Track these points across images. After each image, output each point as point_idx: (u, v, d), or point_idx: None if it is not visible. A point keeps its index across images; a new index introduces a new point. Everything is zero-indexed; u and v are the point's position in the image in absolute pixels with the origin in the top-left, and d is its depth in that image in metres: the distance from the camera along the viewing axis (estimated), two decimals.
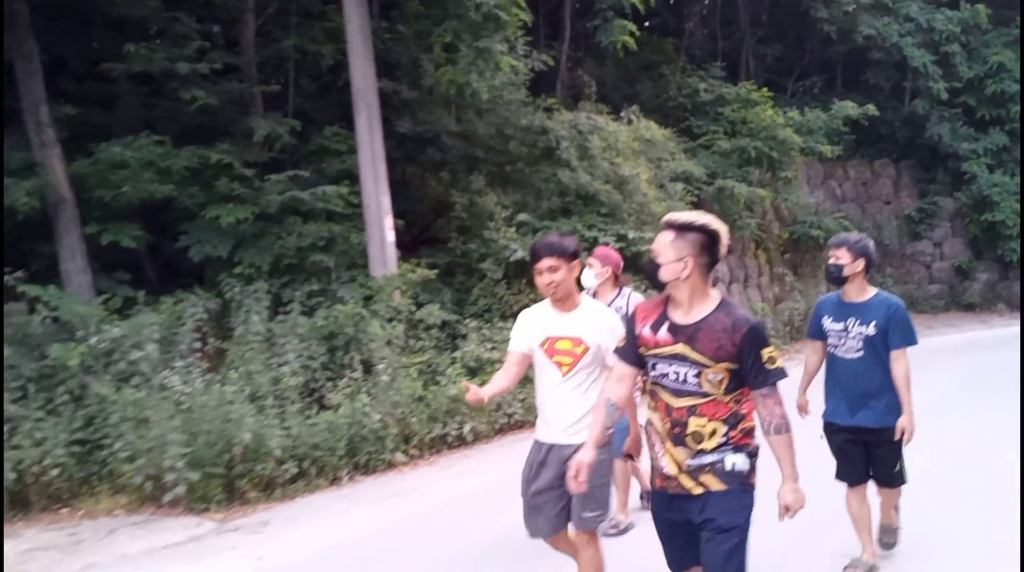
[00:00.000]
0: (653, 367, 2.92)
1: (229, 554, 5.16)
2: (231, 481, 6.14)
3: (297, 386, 7.13)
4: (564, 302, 3.50)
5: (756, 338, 2.76)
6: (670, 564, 3.07)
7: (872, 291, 4.25)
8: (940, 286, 20.41)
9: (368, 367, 7.86)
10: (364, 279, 8.98)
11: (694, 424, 2.82)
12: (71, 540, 5.46)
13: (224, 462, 6.09)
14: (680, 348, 2.82)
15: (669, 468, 2.91)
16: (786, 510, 2.81)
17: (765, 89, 16.33)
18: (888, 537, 4.61)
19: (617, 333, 3.34)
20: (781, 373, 2.79)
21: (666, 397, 2.89)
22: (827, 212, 18.25)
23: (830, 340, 4.30)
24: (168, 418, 6.00)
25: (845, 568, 4.36)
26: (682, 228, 2.82)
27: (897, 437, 4.14)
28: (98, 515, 5.91)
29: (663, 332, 2.87)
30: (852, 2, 19.30)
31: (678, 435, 2.86)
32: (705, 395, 2.81)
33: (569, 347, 3.47)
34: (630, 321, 3.03)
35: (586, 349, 3.44)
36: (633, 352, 2.98)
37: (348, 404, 7.14)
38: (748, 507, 2.85)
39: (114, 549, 5.28)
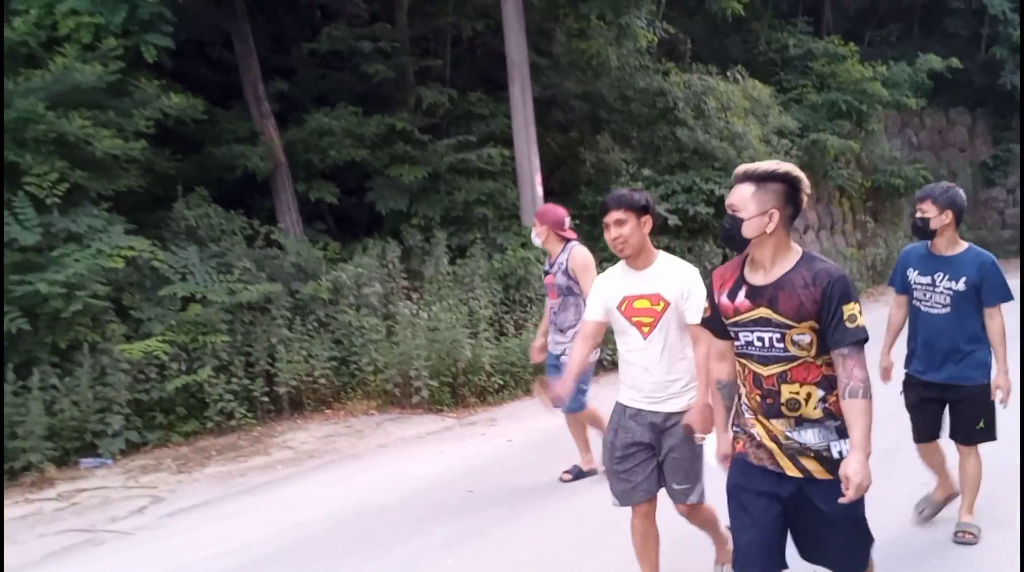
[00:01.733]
0: (736, 337, 2.71)
1: (480, 438, 6.78)
2: (455, 389, 7.77)
3: (487, 317, 8.69)
4: (637, 259, 3.31)
5: (838, 292, 2.53)
6: (745, 550, 2.72)
7: (964, 245, 4.06)
8: (1013, 231, 21.23)
9: (530, 303, 9.41)
10: (518, 228, 10.45)
11: (787, 392, 2.60)
12: (351, 430, 7.14)
13: (451, 374, 7.71)
14: (761, 312, 2.61)
15: (761, 436, 2.69)
16: (847, 482, 2.43)
17: (852, 44, 17.19)
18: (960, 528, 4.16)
19: (698, 286, 3.29)
20: (862, 332, 2.53)
21: (754, 367, 2.67)
22: (904, 161, 19.16)
23: (915, 294, 4.13)
24: (412, 337, 7.62)
25: (916, 505, 4.40)
26: (763, 178, 2.59)
27: (993, 397, 4.01)
28: (357, 414, 7.58)
29: (741, 297, 2.67)
30: None
31: (771, 406, 2.64)
32: (793, 359, 2.59)
33: (648, 306, 3.28)
34: (709, 291, 2.85)
35: (666, 305, 3.26)
36: (720, 323, 2.78)
37: (525, 333, 8.70)
38: (861, 499, 2.57)
39: (390, 435, 6.94)
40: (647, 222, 3.29)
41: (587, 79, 12.35)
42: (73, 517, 5.27)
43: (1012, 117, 21.39)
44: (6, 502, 5.51)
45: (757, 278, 2.66)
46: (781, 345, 2.59)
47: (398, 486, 5.58)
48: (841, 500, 2.45)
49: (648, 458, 3.36)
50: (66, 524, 5.13)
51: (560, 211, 5.26)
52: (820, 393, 2.59)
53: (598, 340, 3.56)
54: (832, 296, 2.52)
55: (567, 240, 5.17)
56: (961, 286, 3.95)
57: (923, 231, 4.04)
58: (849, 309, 2.52)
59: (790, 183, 2.61)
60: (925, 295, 4.08)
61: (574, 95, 12.32)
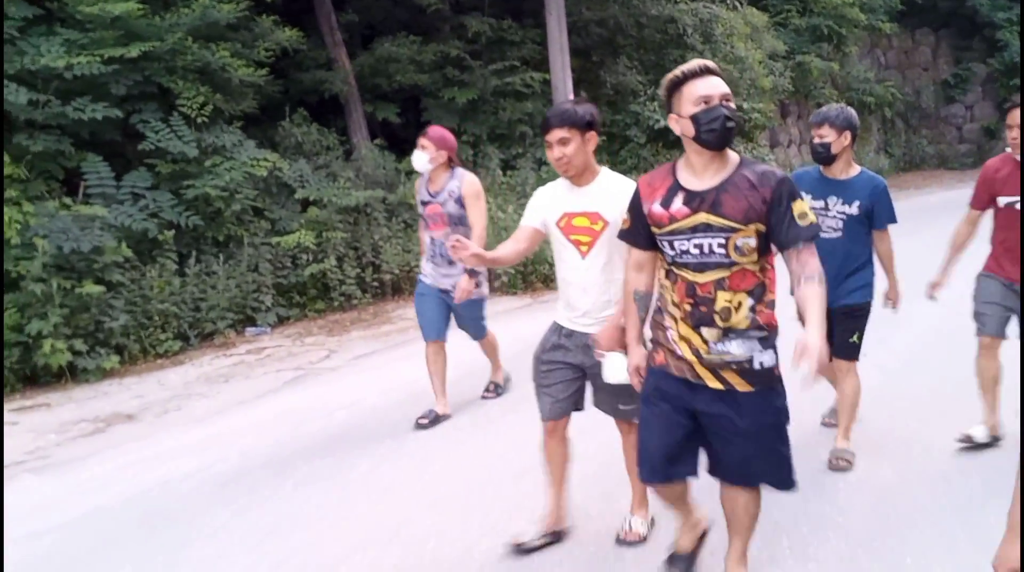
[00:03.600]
0: (671, 246, 2.61)
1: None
2: (525, 276, 9.43)
3: None
4: (580, 177, 3.15)
5: (786, 191, 2.49)
6: (649, 460, 2.72)
7: (857, 169, 4.00)
8: (969, 146, 23.21)
9: None
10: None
11: (722, 299, 2.54)
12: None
13: (522, 263, 9.37)
14: (701, 217, 2.53)
15: (683, 350, 2.62)
16: (807, 352, 2.24)
17: None
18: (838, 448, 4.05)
19: None
20: (815, 228, 2.51)
21: (687, 275, 2.58)
22: (874, 80, 20.84)
23: None
24: (502, 228, 9.23)
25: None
26: (720, 76, 2.59)
27: (893, 306, 4.18)
28: None
29: (678, 204, 2.57)
30: None
31: (703, 315, 2.57)
32: (732, 265, 2.53)
33: (587, 224, 3.14)
34: (634, 200, 2.72)
35: (605, 225, 3.11)
36: (643, 234, 2.70)
37: None
38: (782, 408, 2.61)
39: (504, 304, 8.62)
40: (591, 139, 3.11)
41: (605, 7, 13.71)
42: (276, 363, 6.89)
43: (973, 38, 23.12)
44: (207, 357, 7.10)
45: (695, 184, 2.57)
46: (723, 251, 2.52)
47: (512, 343, 7.27)
48: (799, 367, 2.22)
49: (574, 379, 3.24)
50: (278, 367, 6.76)
51: (452, 137, 4.85)
52: (750, 302, 2.54)
53: (530, 248, 3.29)
54: (781, 195, 2.48)
55: (453, 167, 4.80)
56: (855, 210, 3.90)
57: (824, 156, 3.94)
58: (799, 206, 2.49)
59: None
60: (818, 219, 3.74)
61: (592, 22, 13.69)
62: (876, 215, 3.93)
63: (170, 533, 3.65)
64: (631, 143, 12.99)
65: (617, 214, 3.00)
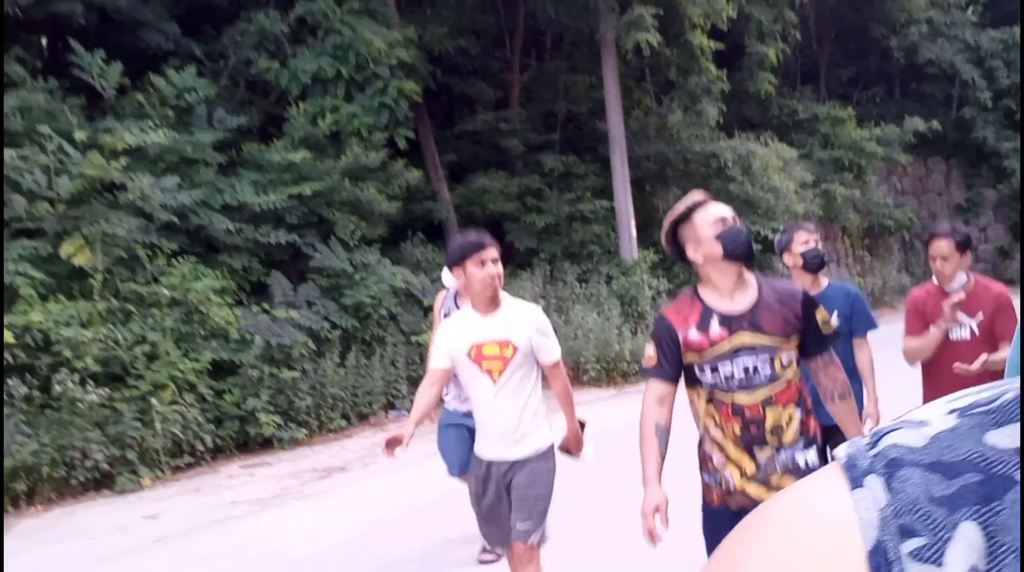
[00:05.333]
0: (713, 370, 2.58)
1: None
2: (608, 371, 11.12)
3: (618, 324, 12.09)
4: (492, 302, 3.24)
5: (809, 301, 2.58)
6: None
7: (825, 281, 3.99)
8: (985, 265, 24.98)
9: (643, 316, 12.83)
10: (618, 261, 13.89)
11: (772, 417, 2.52)
12: None
13: (608, 359, 11.08)
14: (742, 338, 2.54)
15: (734, 479, 2.58)
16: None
17: (850, 108, 21.00)
18: None
19: (545, 328, 3.29)
20: (835, 336, 2.61)
21: (734, 398, 2.56)
22: (892, 205, 22.91)
23: None
24: (574, 337, 10.99)
25: None
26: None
27: (865, 426, 3.95)
28: None
29: (715, 328, 2.57)
30: (916, 33, 23.83)
31: (755, 436, 2.54)
32: (778, 379, 2.53)
33: (497, 352, 3.20)
34: (664, 330, 2.68)
35: (515, 350, 3.19)
36: (674, 366, 2.66)
37: (641, 336, 12.09)
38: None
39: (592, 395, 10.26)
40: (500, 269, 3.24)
41: (654, 144, 15.94)
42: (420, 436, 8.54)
43: (982, 166, 25.31)
44: (367, 432, 8.77)
45: (727, 306, 2.59)
46: (769, 368, 2.53)
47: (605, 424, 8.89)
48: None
49: (506, 510, 3.32)
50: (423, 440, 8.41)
51: None
52: (798, 414, 2.56)
53: (443, 386, 3.47)
54: (808, 307, 2.55)
55: None
56: (834, 320, 3.74)
57: (818, 265, 3.91)
58: (821, 315, 2.57)
59: None
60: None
61: (644, 157, 15.88)
62: (855, 323, 3.84)
63: (403, 533, 5.28)
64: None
65: (526, 338, 3.21)
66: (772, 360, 2.56)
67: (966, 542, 0.38)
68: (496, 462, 3.29)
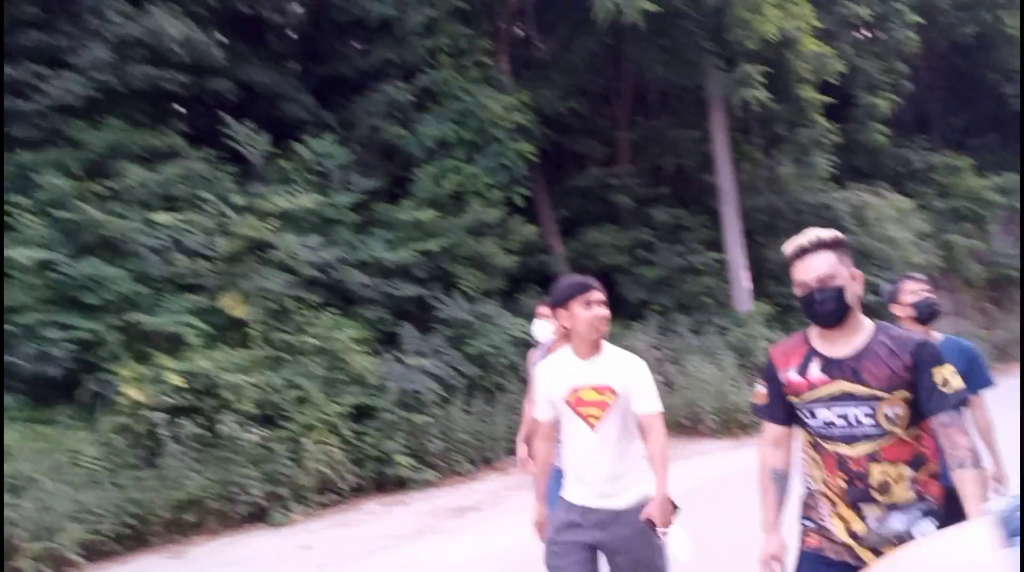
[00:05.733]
0: (812, 415, 2.49)
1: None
2: (727, 423, 11.15)
3: (732, 375, 12.12)
4: (594, 346, 3.15)
5: (928, 356, 2.37)
6: None
7: (939, 336, 3.72)
8: None
9: (759, 367, 12.80)
10: (731, 313, 13.95)
11: (877, 473, 2.38)
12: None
13: (725, 411, 11.13)
14: (842, 385, 2.42)
15: (838, 533, 2.46)
16: None
17: (966, 157, 20.50)
18: None
19: (645, 378, 3.14)
20: (960, 394, 2.36)
21: (837, 448, 2.44)
22: (1016, 255, 22.03)
23: None
24: (686, 388, 11.10)
25: None
26: (836, 244, 2.50)
27: (995, 489, 3.64)
28: None
29: (815, 371, 2.47)
30: None
31: (861, 491, 2.40)
32: (884, 435, 2.38)
33: (596, 397, 3.12)
34: (770, 370, 2.63)
35: (616, 396, 3.09)
36: (781, 406, 2.59)
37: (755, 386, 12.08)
38: None
39: (690, 450, 10.33)
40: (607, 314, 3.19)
41: (765, 196, 16.01)
42: None
43: None
44: (491, 476, 9.09)
45: (832, 350, 2.48)
46: (871, 420, 2.40)
47: (738, 464, 8.95)
48: None
49: (588, 559, 3.13)
50: None
51: None
52: (910, 473, 2.41)
53: (555, 438, 3.33)
54: (923, 361, 2.38)
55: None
56: None
57: (929, 313, 3.72)
58: (941, 372, 2.37)
59: (847, 246, 2.54)
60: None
61: (754, 209, 15.96)
62: (969, 381, 3.53)
63: None
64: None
65: (624, 385, 3.08)
66: (874, 413, 2.40)
67: None
68: (592, 509, 3.11)
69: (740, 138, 15.98)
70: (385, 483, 8.42)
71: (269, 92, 11.73)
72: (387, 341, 9.90)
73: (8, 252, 7.45)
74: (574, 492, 3.19)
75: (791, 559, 2.62)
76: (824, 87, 14.00)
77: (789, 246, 2.53)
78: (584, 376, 3.13)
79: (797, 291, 2.50)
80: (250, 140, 10.09)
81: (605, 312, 3.13)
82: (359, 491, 8.16)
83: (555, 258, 13.23)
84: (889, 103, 16.21)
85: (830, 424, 2.47)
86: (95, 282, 7.63)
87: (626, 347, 9.72)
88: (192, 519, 6.87)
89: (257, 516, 7.24)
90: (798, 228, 10.87)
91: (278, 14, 13.72)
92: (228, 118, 10.04)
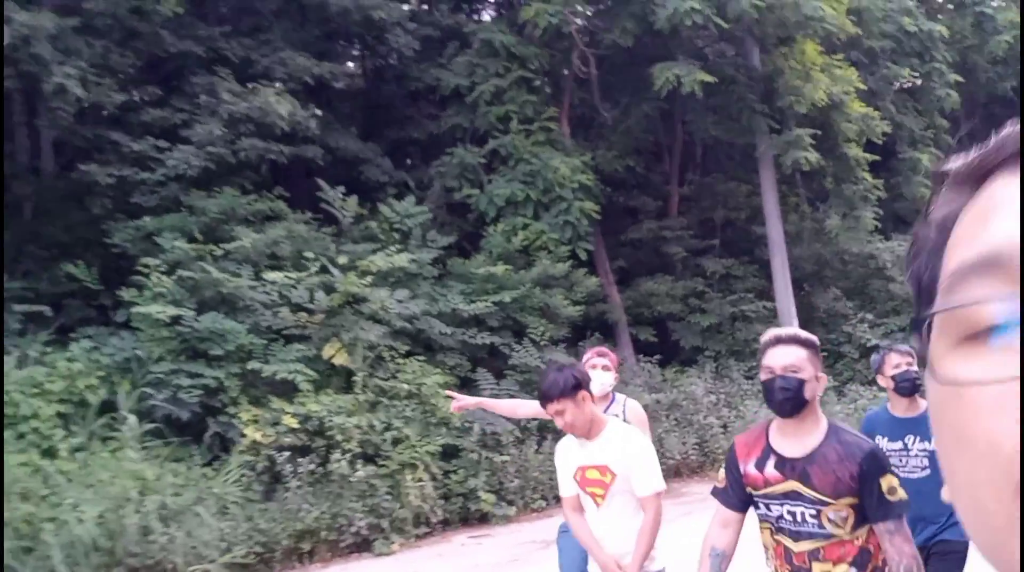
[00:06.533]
0: (767, 508, 2.60)
1: None
2: None
3: None
4: (588, 433, 3.27)
5: (873, 466, 2.45)
6: None
7: (923, 403, 3.80)
8: None
9: None
10: None
11: (819, 570, 2.51)
12: None
13: None
14: (792, 485, 2.51)
15: None
16: None
17: None
18: None
19: (653, 461, 3.28)
20: (904, 505, 2.45)
21: (784, 540, 2.58)
22: None
23: (891, 461, 3.60)
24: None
25: None
26: (811, 344, 2.59)
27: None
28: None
29: (770, 468, 2.56)
30: None
31: None
32: (828, 536, 2.49)
33: (598, 476, 3.27)
34: (731, 459, 2.73)
35: (614, 477, 3.23)
36: (738, 494, 2.68)
37: None
38: None
39: None
40: (584, 398, 3.21)
41: (812, 247, 16.68)
42: None
43: None
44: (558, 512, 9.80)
45: (786, 449, 2.57)
46: (816, 521, 2.50)
47: None
48: None
49: None
50: None
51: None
52: (853, 571, 2.50)
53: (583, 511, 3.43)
54: (869, 472, 2.44)
55: (613, 392, 4.42)
56: (935, 445, 3.73)
57: (909, 387, 3.82)
58: (887, 482, 2.44)
59: (819, 351, 2.62)
60: (901, 461, 3.80)
61: (802, 259, 16.63)
62: None
63: None
64: (845, 358, 15.36)
65: (623, 466, 3.21)
66: (819, 514, 2.50)
67: None
68: None
69: (787, 190, 16.73)
70: (469, 517, 9.19)
71: (352, 156, 12.79)
72: (463, 386, 10.72)
73: (141, 309, 8.46)
74: (595, 566, 3.44)
75: None
76: (868, 144, 14.74)
77: (766, 335, 2.66)
78: (587, 456, 3.30)
79: (762, 376, 2.58)
80: (340, 202, 11.10)
81: (562, 422, 3.20)
82: (447, 524, 8.95)
83: (613, 307, 14.02)
84: (931, 157, 16.84)
85: (780, 518, 2.58)
86: (217, 335, 8.59)
87: (683, 392, 10.34)
88: (307, 547, 7.70)
89: (362, 546, 8.06)
90: (844, 277, 11.90)
91: (353, 79, 14.91)
92: (323, 183, 11.07)
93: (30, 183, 11.76)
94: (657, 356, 13.35)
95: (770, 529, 2.65)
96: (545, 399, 3.22)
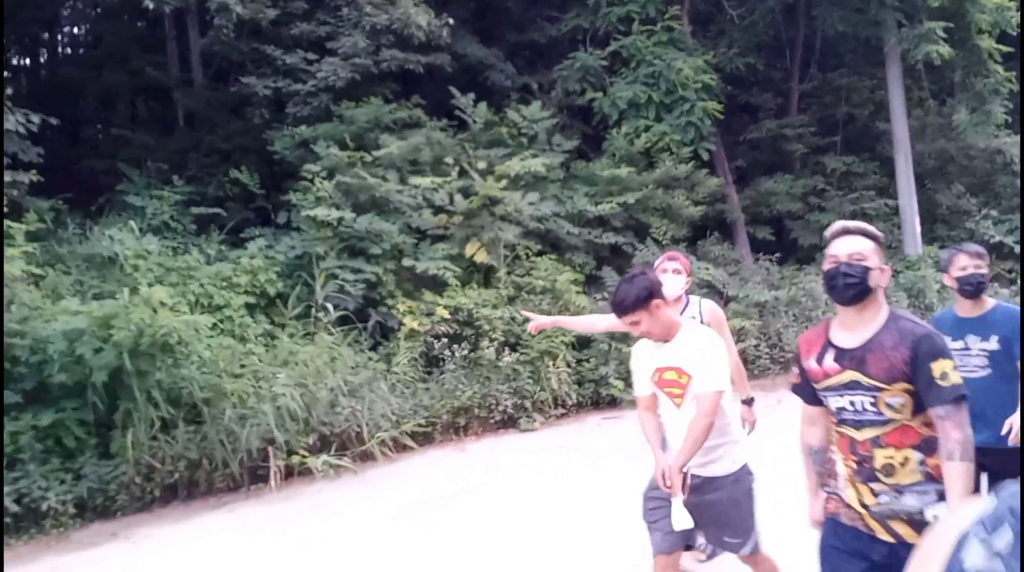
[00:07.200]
0: (828, 401, 2.68)
1: None
2: None
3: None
4: (664, 337, 3.36)
5: (925, 350, 2.46)
6: None
7: (990, 303, 3.87)
8: None
9: (930, 308, 13.54)
10: (903, 256, 14.61)
11: (881, 457, 2.53)
12: None
13: None
14: (851, 375, 2.57)
15: (851, 500, 2.64)
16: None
17: None
18: None
19: (718, 362, 3.31)
20: (956, 389, 2.43)
21: (848, 431, 2.63)
22: None
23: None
24: None
25: None
26: (875, 237, 2.65)
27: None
28: None
29: (829, 361, 2.63)
30: None
31: (867, 472, 2.56)
32: (888, 422, 2.52)
33: (675, 378, 3.35)
34: (798, 357, 2.81)
35: (690, 378, 3.31)
36: (810, 389, 2.76)
37: None
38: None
39: None
40: (658, 306, 3.28)
41: (936, 142, 16.33)
42: None
43: None
44: None
45: (845, 340, 2.62)
46: (874, 408, 2.54)
47: None
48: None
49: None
50: None
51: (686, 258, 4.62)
52: (918, 456, 2.52)
53: (656, 410, 3.54)
54: (920, 354, 2.46)
55: (687, 294, 4.45)
56: (995, 345, 3.77)
57: (972, 290, 3.83)
58: (939, 366, 2.44)
59: (883, 246, 2.66)
60: (960, 360, 3.69)
61: (925, 154, 16.32)
62: (1017, 346, 3.72)
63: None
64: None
65: (697, 367, 3.29)
66: (876, 401, 2.54)
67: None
68: (687, 475, 3.31)
69: (912, 85, 16.30)
70: (600, 401, 10.02)
71: (476, 62, 13.27)
72: (589, 282, 11.43)
73: (309, 211, 9.40)
74: (668, 456, 3.42)
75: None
76: (1000, 35, 14.17)
77: (833, 227, 2.72)
78: (664, 358, 3.40)
79: (826, 265, 2.63)
80: (471, 109, 11.69)
81: (639, 331, 3.34)
82: (580, 407, 9.82)
83: (731, 207, 14.30)
84: None
85: (842, 409, 2.64)
86: (374, 234, 9.48)
87: (801, 289, 10.64)
88: (463, 422, 8.71)
89: (508, 423, 9.02)
90: (969, 172, 11.94)
91: None
92: (455, 91, 11.65)
93: (185, 94, 12.81)
94: (777, 254, 13.63)
95: (835, 421, 2.71)
96: (620, 311, 3.32)
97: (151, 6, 9.58)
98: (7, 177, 8.41)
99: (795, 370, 2.88)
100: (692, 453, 3.22)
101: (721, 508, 3.41)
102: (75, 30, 17.38)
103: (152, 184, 10.57)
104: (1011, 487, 0.56)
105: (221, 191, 11.30)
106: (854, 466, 2.61)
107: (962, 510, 0.66)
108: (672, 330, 3.36)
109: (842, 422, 2.65)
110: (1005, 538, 0.57)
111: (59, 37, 17.23)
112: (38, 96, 13.40)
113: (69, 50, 17.36)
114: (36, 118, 8.80)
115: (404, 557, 5.31)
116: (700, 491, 3.37)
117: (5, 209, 7.89)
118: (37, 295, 7.06)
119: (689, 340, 3.35)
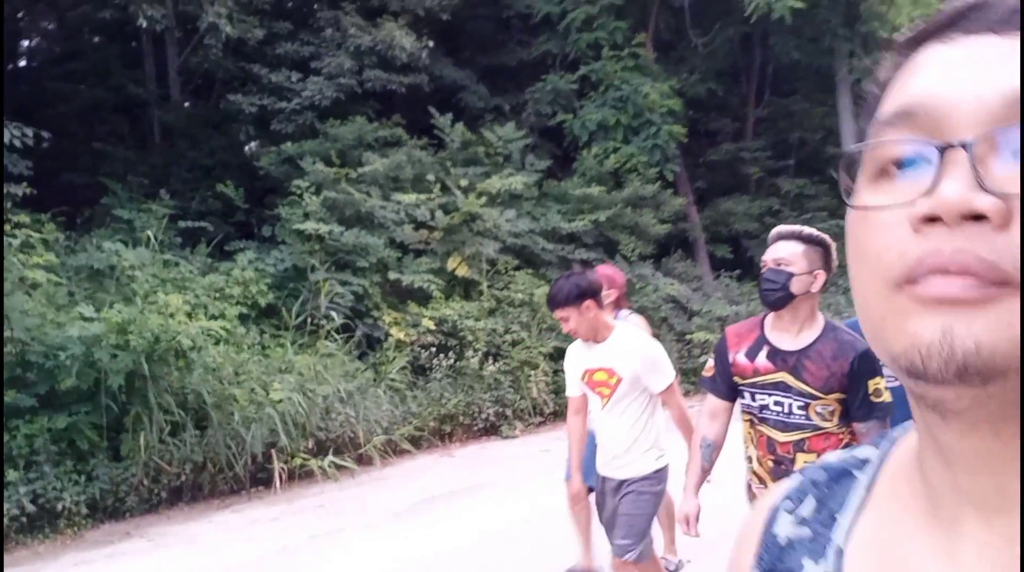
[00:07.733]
0: (752, 397, 2.69)
1: None
2: None
3: None
4: (594, 338, 3.43)
5: (866, 367, 2.51)
6: None
7: None
8: None
9: None
10: None
11: (801, 461, 2.57)
12: None
13: None
14: (782, 376, 2.61)
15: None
16: None
17: None
18: None
19: (651, 360, 3.38)
20: (887, 407, 2.52)
21: (768, 431, 2.66)
22: None
23: None
24: None
25: None
26: (809, 240, 2.68)
27: None
28: None
29: (762, 358, 2.65)
30: None
31: (784, 473, 2.57)
32: (815, 428, 2.58)
33: (604, 378, 3.40)
34: (721, 348, 2.81)
35: (619, 380, 3.36)
36: (726, 383, 2.77)
37: None
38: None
39: None
40: (588, 307, 3.35)
41: None
42: None
43: None
44: None
45: (781, 341, 2.64)
46: (803, 413, 2.58)
47: None
48: None
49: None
50: None
51: (622, 274, 4.81)
52: None
53: (585, 412, 3.66)
54: (860, 371, 2.50)
55: (619, 309, 4.52)
56: None
57: None
58: (874, 384, 2.51)
59: (828, 249, 2.69)
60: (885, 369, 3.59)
61: None
62: None
63: None
64: None
65: (627, 369, 3.36)
66: (806, 407, 2.58)
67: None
68: (608, 478, 3.51)
69: (861, 111, 17.24)
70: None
71: (451, 83, 13.75)
72: None
73: (298, 225, 9.72)
74: (599, 462, 3.59)
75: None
76: None
77: (771, 232, 2.82)
78: (593, 359, 3.49)
79: (762, 270, 2.71)
80: (449, 129, 12.14)
81: (568, 328, 3.46)
82: (557, 415, 10.26)
83: (693, 226, 14.97)
84: None
85: (765, 408, 2.66)
86: (360, 248, 9.85)
87: (760, 305, 11.48)
88: (448, 429, 9.10)
89: (490, 430, 9.43)
90: None
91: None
92: (433, 110, 12.10)
93: (164, 111, 13.01)
94: (737, 271, 14.33)
95: (752, 420, 2.73)
96: (551, 304, 3.45)
97: (144, 24, 9.83)
98: None
99: (710, 363, 2.90)
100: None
101: (626, 503, 3.47)
102: (49, 45, 17.38)
103: (134, 198, 10.76)
104: (811, 466, 0.66)
105: (203, 206, 11.53)
106: (771, 465, 2.66)
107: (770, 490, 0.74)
108: (602, 332, 3.44)
109: (763, 421, 2.68)
110: (809, 506, 0.63)
111: (28, 45, 17.21)
112: (14, 108, 13.45)
113: (43, 64, 17.34)
114: (30, 131, 8.98)
115: (404, 557, 5.66)
116: (616, 493, 3.49)
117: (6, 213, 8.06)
118: (42, 302, 7.27)
119: (622, 345, 3.43)
